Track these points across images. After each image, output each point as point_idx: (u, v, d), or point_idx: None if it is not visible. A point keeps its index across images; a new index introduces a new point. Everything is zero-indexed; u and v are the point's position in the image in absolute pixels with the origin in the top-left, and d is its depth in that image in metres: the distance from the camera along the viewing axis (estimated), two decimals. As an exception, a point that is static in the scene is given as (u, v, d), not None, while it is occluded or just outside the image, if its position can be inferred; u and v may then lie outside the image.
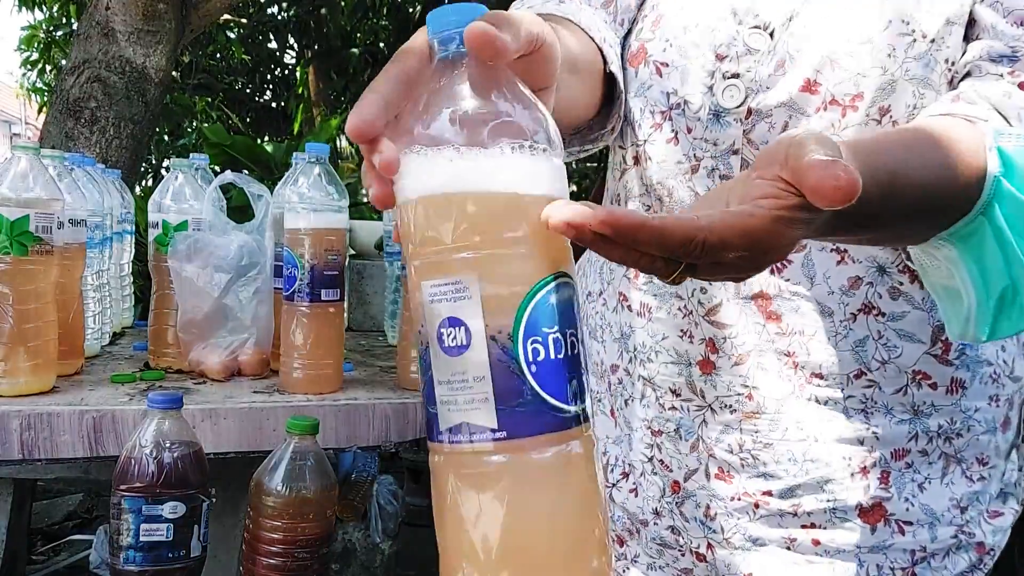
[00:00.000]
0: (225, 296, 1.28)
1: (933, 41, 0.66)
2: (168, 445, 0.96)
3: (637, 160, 0.79)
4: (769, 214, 0.45)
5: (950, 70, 0.67)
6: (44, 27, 6.80)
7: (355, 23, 7.30)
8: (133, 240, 1.72)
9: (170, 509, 0.95)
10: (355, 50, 7.40)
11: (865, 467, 0.72)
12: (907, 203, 0.54)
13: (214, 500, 1.01)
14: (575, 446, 0.45)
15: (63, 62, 4.38)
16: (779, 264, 0.71)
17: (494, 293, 0.43)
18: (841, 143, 0.49)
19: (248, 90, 7.96)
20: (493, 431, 0.44)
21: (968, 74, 0.67)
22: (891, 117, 0.67)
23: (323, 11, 7.10)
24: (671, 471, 0.78)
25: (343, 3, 7.14)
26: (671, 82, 0.74)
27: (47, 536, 2.79)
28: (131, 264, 1.74)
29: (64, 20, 6.58)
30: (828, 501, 0.72)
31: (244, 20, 7.21)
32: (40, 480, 1.93)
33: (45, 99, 6.80)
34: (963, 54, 0.67)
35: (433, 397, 0.45)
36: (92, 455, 1.07)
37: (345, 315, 1.41)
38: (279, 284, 1.31)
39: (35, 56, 6.99)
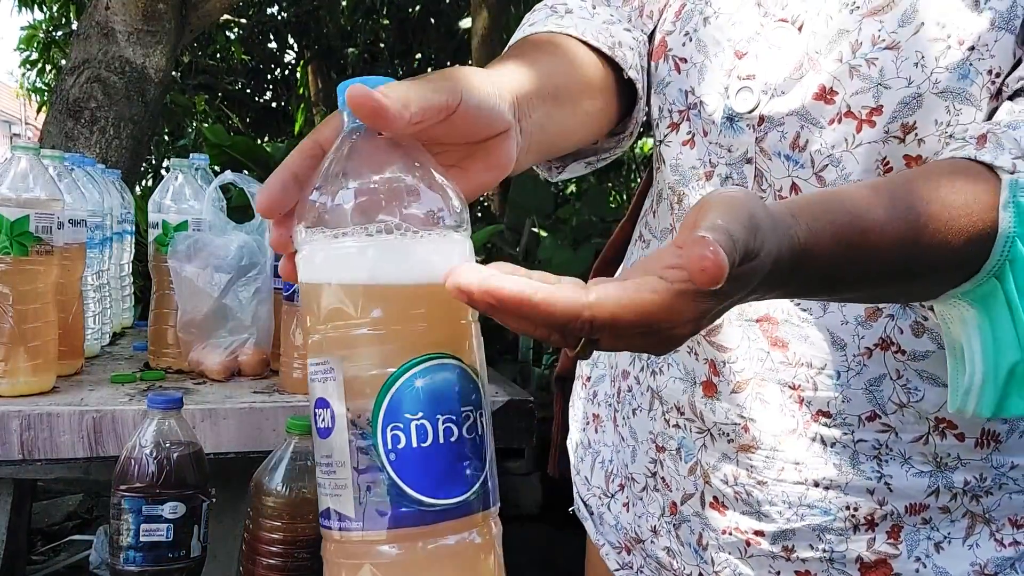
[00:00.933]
0: (225, 296, 1.28)
1: (973, 48, 0.57)
2: (168, 445, 0.96)
3: (660, 162, 0.76)
4: (670, 288, 0.39)
5: (994, 83, 0.58)
6: (44, 27, 6.80)
7: (355, 23, 7.30)
8: (133, 240, 1.72)
9: (170, 509, 0.95)
10: (355, 50, 7.40)
11: (872, 519, 0.66)
12: (882, 264, 0.49)
13: (214, 500, 1.01)
14: (447, 540, 0.42)
15: (63, 62, 4.38)
16: None
17: (355, 375, 0.42)
18: (788, 202, 0.46)
19: (248, 90, 7.96)
20: (352, 521, 0.43)
21: (1018, 93, 0.58)
22: (916, 136, 0.59)
23: (323, 11, 7.11)
24: (671, 491, 0.75)
25: (343, 3, 7.14)
26: (689, 80, 0.70)
27: (47, 536, 2.79)
28: (131, 264, 1.74)
29: (64, 20, 6.58)
30: (824, 551, 0.67)
31: (244, 20, 7.21)
32: (40, 480, 1.93)
33: (45, 99, 6.80)
34: (1018, 64, 0.58)
35: (316, 478, 0.45)
36: (92, 455, 1.07)
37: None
38: (279, 284, 1.30)
39: (35, 56, 6.99)
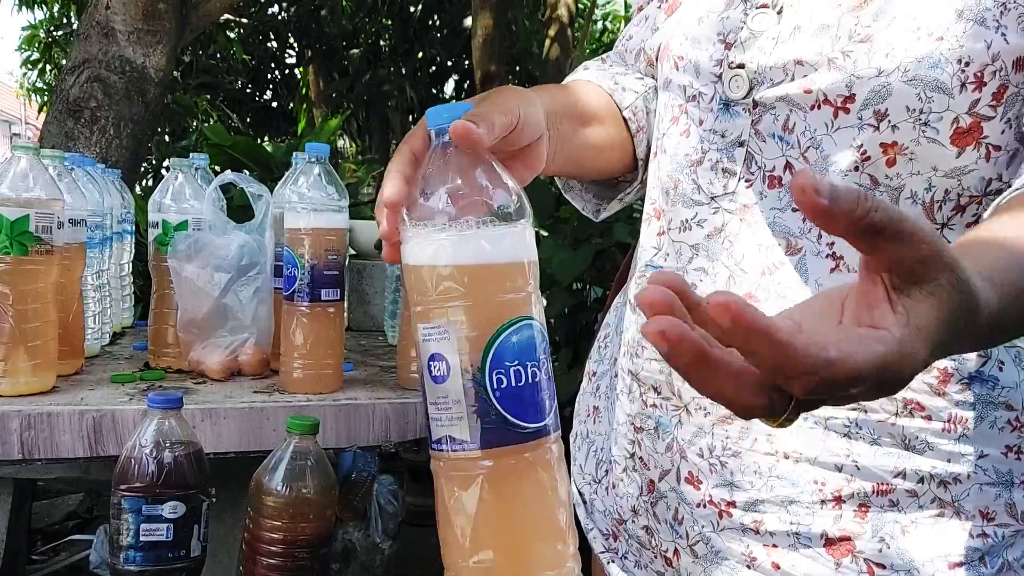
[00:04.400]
0: (225, 296, 1.28)
1: (941, 39, 0.60)
2: (168, 445, 0.96)
3: (655, 155, 0.80)
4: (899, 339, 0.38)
5: (964, 71, 0.60)
6: (44, 27, 6.80)
7: (356, 23, 7.30)
8: (133, 240, 1.72)
9: (170, 509, 0.95)
10: (356, 50, 7.40)
11: (840, 496, 0.66)
12: None
13: (214, 500, 1.00)
14: (536, 455, 0.57)
15: (63, 62, 4.38)
16: (772, 264, 0.68)
17: (467, 335, 0.56)
18: (980, 268, 0.45)
19: (249, 90, 7.96)
20: (467, 443, 0.56)
21: None
22: (890, 122, 0.62)
23: (324, 11, 7.10)
24: (648, 469, 0.76)
25: (345, 2, 7.14)
26: (687, 75, 0.75)
27: (47, 536, 2.79)
28: (131, 264, 1.74)
29: (64, 20, 6.58)
30: (791, 524, 0.68)
31: (244, 20, 7.21)
32: (40, 480, 1.93)
33: (45, 99, 6.80)
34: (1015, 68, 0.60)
35: (427, 414, 0.58)
36: (92, 455, 1.07)
37: (345, 315, 1.41)
38: (279, 284, 1.30)
39: (35, 56, 6.99)
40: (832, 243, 0.66)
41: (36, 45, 6.90)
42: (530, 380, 0.56)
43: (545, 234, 4.18)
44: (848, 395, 0.40)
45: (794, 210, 0.67)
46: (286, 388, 1.21)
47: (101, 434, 1.07)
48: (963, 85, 0.61)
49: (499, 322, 0.56)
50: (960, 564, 0.65)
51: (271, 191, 1.36)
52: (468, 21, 6.41)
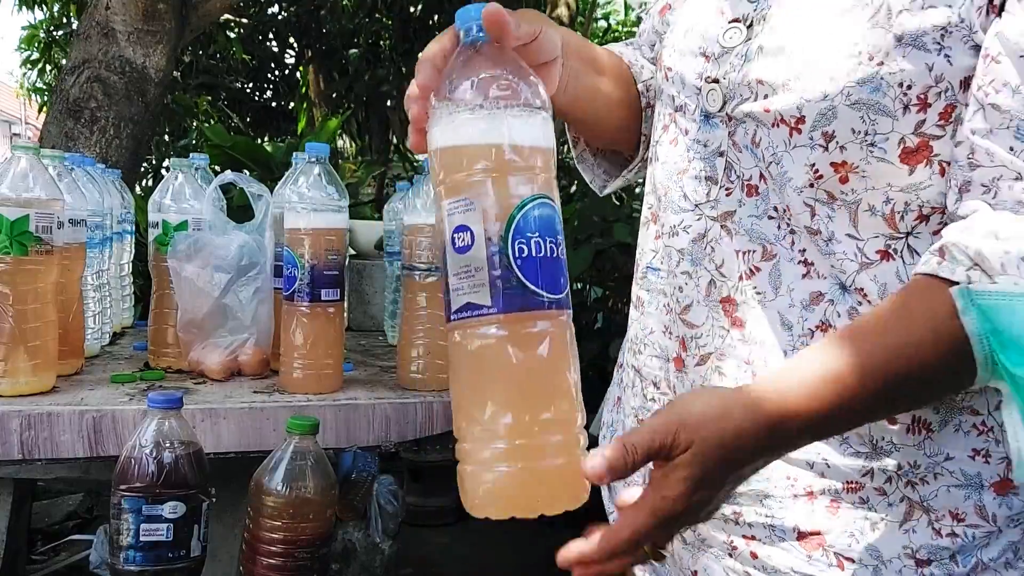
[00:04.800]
0: (225, 296, 1.28)
1: (882, 64, 0.63)
2: (168, 445, 0.96)
3: (651, 160, 0.84)
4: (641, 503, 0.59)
5: (906, 95, 0.63)
6: (44, 27, 6.80)
7: (356, 23, 7.30)
8: (133, 240, 1.72)
9: (170, 509, 0.95)
10: (356, 50, 7.39)
11: (812, 492, 0.69)
12: (874, 400, 0.58)
13: (214, 500, 1.01)
14: (550, 324, 0.61)
15: (63, 62, 4.38)
16: (750, 270, 0.72)
17: (491, 207, 0.59)
18: (763, 385, 0.60)
19: (249, 90, 7.96)
20: (489, 308, 0.59)
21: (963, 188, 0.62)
22: (837, 143, 0.65)
23: (324, 11, 7.10)
24: None
25: (344, 3, 7.14)
26: (675, 86, 0.78)
27: (47, 536, 2.79)
28: (131, 264, 1.74)
29: (64, 20, 6.58)
30: (767, 517, 0.71)
31: (245, 20, 7.21)
32: (40, 480, 1.93)
33: (45, 99, 6.80)
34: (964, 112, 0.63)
35: (447, 288, 0.61)
36: (92, 455, 1.07)
37: (345, 315, 1.41)
38: (279, 284, 1.31)
39: (35, 56, 6.99)
40: (804, 250, 0.70)
41: (36, 45, 6.90)
42: (549, 253, 0.60)
43: (545, 234, 4.18)
44: (664, 536, 0.59)
45: (770, 218, 0.71)
46: (286, 388, 1.21)
47: (101, 434, 1.07)
48: (906, 107, 0.63)
49: (523, 196, 0.60)
50: (928, 562, 0.67)
51: (271, 191, 1.36)
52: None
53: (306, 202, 1.20)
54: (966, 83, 0.62)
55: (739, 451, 0.57)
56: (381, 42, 7.54)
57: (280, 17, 7.51)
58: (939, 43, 0.62)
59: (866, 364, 0.58)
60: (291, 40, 7.65)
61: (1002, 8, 0.61)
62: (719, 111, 0.73)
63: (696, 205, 0.75)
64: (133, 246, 1.73)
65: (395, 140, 7.59)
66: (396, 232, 1.60)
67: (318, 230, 1.19)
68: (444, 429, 1.20)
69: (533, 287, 0.59)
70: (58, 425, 1.05)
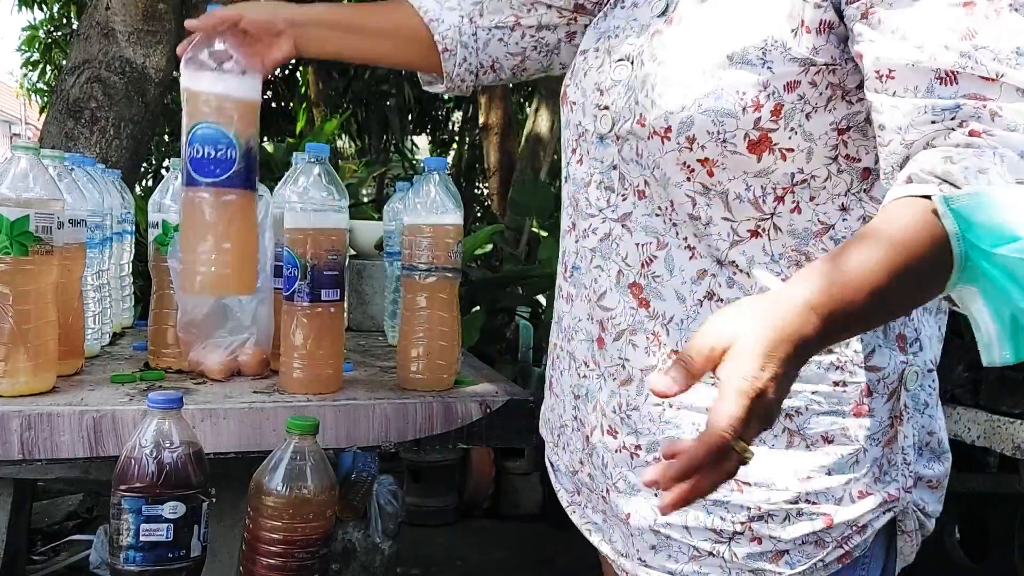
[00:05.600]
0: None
1: (721, 79, 0.78)
2: (168, 445, 0.96)
3: (566, 179, 0.99)
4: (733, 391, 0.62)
5: (743, 99, 0.78)
6: (44, 27, 6.80)
7: (355, 23, 7.29)
8: (133, 240, 1.72)
9: (170, 509, 0.95)
10: (355, 50, 7.38)
11: None
12: (874, 302, 0.66)
13: (214, 500, 1.01)
14: (209, 195, 1.06)
15: (63, 62, 4.37)
16: (649, 258, 0.87)
17: (185, 126, 1.08)
18: (808, 292, 0.65)
19: (248, 90, 7.94)
20: (182, 184, 1.08)
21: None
22: (698, 143, 0.80)
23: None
24: (584, 428, 0.94)
25: (344, 2, 7.12)
26: (577, 115, 0.95)
27: (47, 536, 2.79)
28: (131, 264, 1.74)
29: (64, 20, 6.58)
30: None
31: (244, 20, 7.19)
32: (40, 480, 1.93)
33: (45, 99, 6.79)
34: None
35: None
36: (92, 455, 1.07)
37: (345, 315, 1.41)
38: (279, 284, 1.31)
39: (35, 56, 6.99)
40: (686, 237, 0.85)
41: (36, 45, 6.91)
42: (206, 156, 1.04)
43: (545, 234, 4.18)
44: (752, 431, 0.62)
45: (657, 215, 0.86)
46: (286, 388, 1.21)
47: (101, 434, 1.07)
48: (744, 109, 0.78)
49: (193, 121, 1.07)
50: (808, 478, 0.81)
51: (271, 191, 1.36)
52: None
53: (306, 202, 1.20)
54: (790, 86, 0.78)
55: (783, 331, 0.62)
56: (381, 42, 7.51)
57: (280, 17, 7.48)
58: (762, 59, 0.78)
59: (877, 255, 0.65)
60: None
61: (818, 29, 0.76)
62: (609, 132, 0.89)
63: (600, 210, 0.91)
64: (133, 246, 1.73)
65: (394, 140, 7.59)
66: (396, 232, 1.60)
67: (318, 230, 1.19)
68: (444, 429, 1.20)
69: (195, 174, 1.05)
70: (58, 425, 1.05)
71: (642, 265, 0.88)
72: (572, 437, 0.97)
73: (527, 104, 7.11)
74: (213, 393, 1.19)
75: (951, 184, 0.67)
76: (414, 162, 7.61)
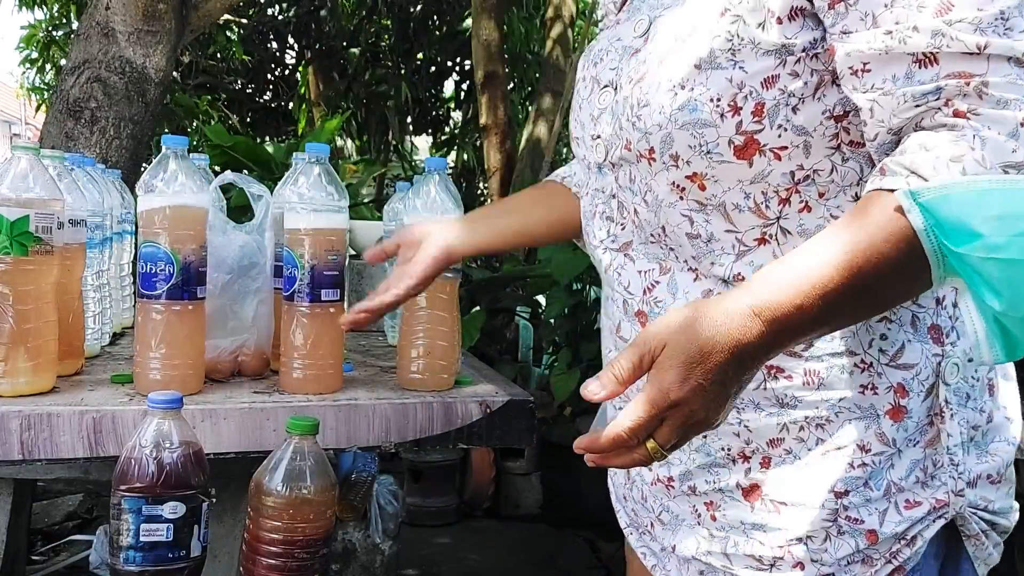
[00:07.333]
0: (225, 296, 1.28)
1: (692, 90, 0.75)
2: (168, 445, 0.96)
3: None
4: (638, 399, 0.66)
5: (718, 105, 0.75)
6: (44, 26, 6.80)
7: (356, 23, 7.30)
8: (133, 240, 1.72)
9: (170, 509, 0.95)
10: (355, 50, 7.39)
11: (744, 454, 0.81)
12: (824, 305, 0.63)
13: (214, 500, 1.01)
14: (152, 305, 1.14)
15: (63, 62, 4.37)
16: (651, 284, 0.85)
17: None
18: (751, 293, 0.64)
19: (249, 90, 7.96)
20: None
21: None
22: (683, 159, 0.78)
23: (324, 11, 7.10)
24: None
25: (344, 3, 7.13)
26: (581, 149, 0.93)
27: (47, 536, 2.79)
28: (131, 264, 1.74)
29: (64, 20, 6.58)
30: (714, 483, 0.83)
31: (244, 20, 7.21)
32: (40, 480, 1.93)
33: (45, 98, 6.79)
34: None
35: None
36: (92, 455, 1.07)
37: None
38: (279, 284, 1.30)
39: (35, 55, 6.99)
40: (687, 260, 0.83)
41: (35, 45, 6.90)
42: (149, 271, 1.12)
43: (545, 234, 4.18)
44: (666, 435, 0.65)
45: (652, 242, 0.85)
46: (286, 388, 1.21)
47: (101, 434, 1.07)
48: (722, 116, 0.75)
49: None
50: (846, 492, 0.78)
51: (271, 191, 1.36)
52: (468, 22, 6.41)
53: (306, 202, 1.20)
54: (767, 82, 0.73)
55: (715, 340, 0.63)
56: (381, 42, 7.54)
57: (280, 17, 7.51)
58: (732, 59, 0.74)
59: (828, 256, 0.63)
60: (291, 40, 7.64)
61: (789, 16, 0.72)
62: (604, 160, 0.87)
63: (601, 241, 0.90)
64: (133, 246, 1.72)
65: (394, 140, 7.59)
66: (396, 232, 1.60)
67: (318, 230, 1.19)
68: (444, 429, 1.20)
69: (140, 287, 1.12)
70: (58, 425, 1.05)
71: (644, 292, 0.86)
72: (616, 470, 0.99)
73: (527, 104, 7.11)
74: (213, 393, 1.19)
75: (919, 176, 0.63)
76: (414, 162, 7.61)
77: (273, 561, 1.00)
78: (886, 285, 0.65)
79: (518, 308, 3.95)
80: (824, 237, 0.66)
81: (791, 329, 0.64)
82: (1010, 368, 0.85)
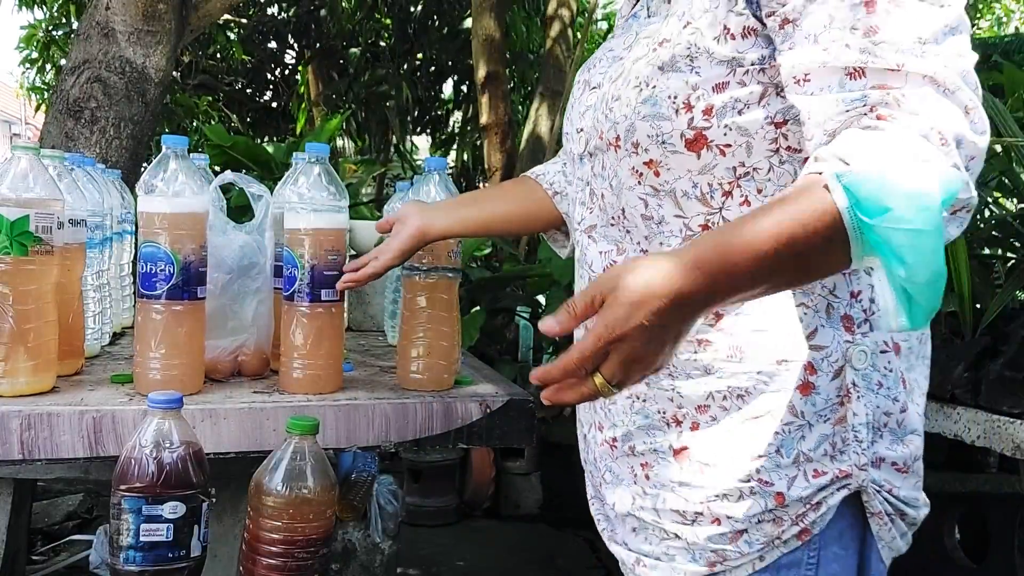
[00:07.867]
0: (225, 296, 1.28)
1: (654, 87, 0.86)
2: (168, 445, 0.96)
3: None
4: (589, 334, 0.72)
5: (674, 102, 0.85)
6: (44, 26, 6.80)
7: (356, 23, 7.30)
8: (133, 240, 1.72)
9: (170, 509, 0.95)
10: (356, 50, 7.39)
11: (677, 419, 0.90)
12: (759, 266, 0.70)
13: (214, 500, 1.01)
14: (155, 304, 1.16)
15: (63, 61, 4.37)
16: (610, 263, 0.94)
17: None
18: (692, 250, 0.72)
19: (248, 90, 7.95)
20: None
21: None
22: (642, 147, 0.88)
23: (323, 11, 7.10)
24: (583, 426, 1.03)
25: (344, 3, 7.13)
26: (568, 144, 1.04)
27: (47, 536, 2.79)
28: (131, 264, 1.74)
29: (64, 20, 6.58)
30: (650, 444, 0.92)
31: (244, 20, 7.21)
32: (40, 480, 1.93)
33: (45, 98, 6.79)
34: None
35: None
36: (92, 455, 1.07)
37: (345, 315, 1.41)
38: (279, 284, 1.31)
39: (35, 55, 6.98)
40: (639, 242, 0.92)
41: (35, 44, 6.90)
42: (149, 271, 1.13)
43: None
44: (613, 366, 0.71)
45: (612, 224, 0.94)
46: (286, 388, 1.21)
47: (101, 434, 1.07)
48: (676, 112, 0.86)
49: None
50: (761, 456, 0.86)
51: (271, 191, 1.36)
52: (468, 22, 6.41)
53: (306, 202, 1.20)
54: (718, 87, 0.84)
55: (659, 285, 0.69)
56: (380, 42, 7.53)
57: (280, 17, 7.51)
58: (690, 64, 0.85)
59: (765, 225, 0.70)
60: (291, 40, 7.64)
61: (743, 34, 0.83)
62: (583, 151, 0.98)
63: (577, 224, 1.00)
64: (133, 246, 1.72)
65: (394, 140, 7.59)
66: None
67: (318, 230, 1.19)
68: (444, 429, 1.20)
69: (140, 287, 1.13)
70: (58, 425, 1.05)
71: (603, 271, 0.94)
72: (579, 435, 1.06)
73: (527, 104, 7.11)
74: (213, 393, 1.19)
75: (844, 162, 0.71)
76: (414, 162, 7.61)
77: (273, 561, 1.01)
78: (812, 254, 0.72)
79: (518, 308, 3.95)
80: (763, 209, 0.73)
81: (728, 285, 0.71)
82: (927, 349, 0.94)
